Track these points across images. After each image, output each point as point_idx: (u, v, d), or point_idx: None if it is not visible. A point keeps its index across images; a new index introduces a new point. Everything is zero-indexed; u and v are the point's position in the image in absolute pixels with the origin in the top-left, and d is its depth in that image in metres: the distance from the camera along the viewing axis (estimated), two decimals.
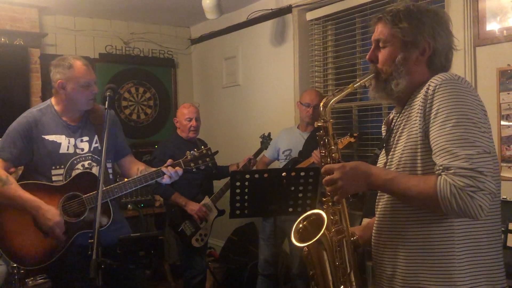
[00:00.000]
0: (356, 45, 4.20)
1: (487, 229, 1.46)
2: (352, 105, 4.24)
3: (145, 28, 5.75)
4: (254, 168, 3.99)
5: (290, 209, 3.08)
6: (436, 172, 1.38)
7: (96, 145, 2.64)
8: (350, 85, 1.61)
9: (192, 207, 3.85)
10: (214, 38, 5.68)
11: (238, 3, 4.98)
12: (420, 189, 1.39)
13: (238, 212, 3.05)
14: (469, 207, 1.31)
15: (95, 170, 2.59)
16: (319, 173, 3.05)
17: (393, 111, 1.71)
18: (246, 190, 2.98)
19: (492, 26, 3.07)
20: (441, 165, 1.36)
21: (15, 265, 2.73)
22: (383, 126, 1.77)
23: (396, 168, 1.52)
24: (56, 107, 2.63)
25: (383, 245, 1.60)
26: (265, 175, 3.00)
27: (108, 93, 2.48)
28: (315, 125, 1.66)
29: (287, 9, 4.59)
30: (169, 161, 2.61)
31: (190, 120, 3.95)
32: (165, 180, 2.58)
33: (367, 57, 1.62)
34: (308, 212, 1.69)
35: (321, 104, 1.60)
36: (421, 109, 1.45)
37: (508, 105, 3.01)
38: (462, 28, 3.17)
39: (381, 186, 1.48)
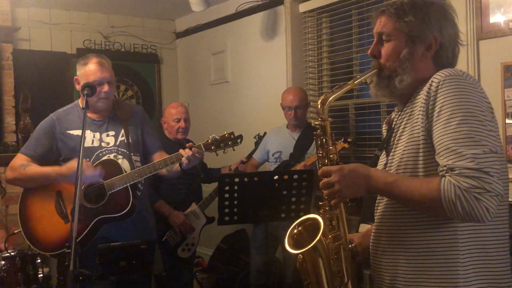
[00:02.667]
0: (353, 39, 4.22)
1: (493, 233, 1.46)
2: (349, 103, 4.26)
3: (126, 21, 5.73)
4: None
5: (283, 215, 3.09)
6: (440, 173, 1.38)
7: (122, 138, 2.82)
8: (350, 82, 1.60)
9: (175, 219, 3.82)
10: (201, 32, 5.68)
11: None
12: (423, 192, 1.38)
13: (227, 218, 3.05)
14: (475, 210, 1.31)
15: (121, 162, 2.77)
16: (313, 176, 3.06)
17: (395, 110, 1.71)
18: (236, 195, 2.99)
19: (496, 18, 3.10)
20: (445, 166, 1.36)
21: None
22: (383, 126, 1.78)
23: (396, 170, 1.53)
24: (82, 104, 2.81)
25: (381, 251, 1.60)
26: (256, 179, 3.01)
27: (85, 92, 2.54)
28: (313, 124, 1.67)
29: (279, 0, 4.60)
30: (189, 144, 2.73)
31: (179, 120, 3.94)
32: (185, 164, 2.69)
33: (369, 51, 1.62)
34: (304, 217, 1.69)
35: (319, 101, 1.60)
36: (423, 107, 1.45)
37: None
38: (464, 21, 3.19)
39: (382, 189, 1.48)
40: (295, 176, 3.03)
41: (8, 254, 2.81)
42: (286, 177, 3.02)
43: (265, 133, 4.07)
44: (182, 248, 3.89)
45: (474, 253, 1.44)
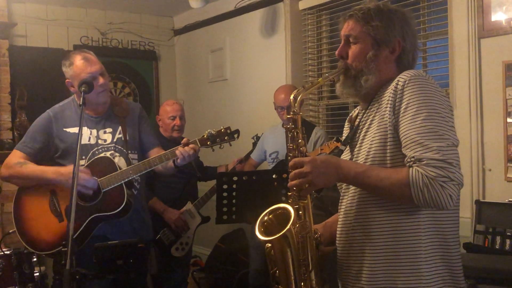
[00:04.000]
0: None
1: (450, 220, 1.60)
2: (349, 101, 4.26)
3: (124, 18, 5.72)
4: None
5: None
6: (407, 164, 1.51)
7: (120, 136, 2.81)
8: (320, 79, 1.73)
9: (170, 215, 3.82)
10: (199, 29, 5.67)
11: None
12: (392, 180, 1.51)
13: (225, 217, 3.05)
14: (440, 197, 1.44)
15: (117, 160, 2.75)
16: None
17: (357, 108, 1.85)
18: (234, 194, 2.99)
19: (498, 16, 3.10)
20: (412, 157, 1.49)
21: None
22: (346, 123, 1.90)
23: (364, 162, 1.63)
24: (79, 101, 2.77)
25: (350, 242, 1.70)
26: (254, 177, 3.01)
27: (83, 89, 2.53)
28: (284, 118, 1.73)
29: None
30: (185, 139, 2.71)
31: (174, 118, 3.93)
32: (179, 161, 2.68)
33: (336, 52, 1.74)
34: (275, 206, 1.77)
35: (292, 96, 1.69)
36: (390, 104, 1.58)
37: None
38: (465, 19, 3.20)
39: (352, 179, 1.59)
40: None
41: (4, 253, 2.81)
42: (285, 176, 3.01)
43: (263, 134, 4.06)
44: (176, 247, 3.88)
45: (435, 238, 1.58)
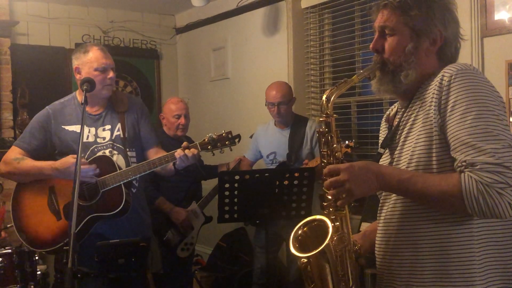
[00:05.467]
0: (355, 35, 4.22)
1: (506, 230, 1.45)
2: (351, 100, 4.27)
3: (125, 16, 5.73)
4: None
5: (283, 213, 3.10)
6: (458, 169, 1.36)
7: (118, 133, 2.81)
8: (354, 77, 1.58)
9: (178, 215, 3.81)
10: (201, 27, 5.67)
11: None
12: (441, 188, 1.36)
13: (227, 216, 3.06)
14: (497, 205, 1.30)
15: (116, 158, 2.76)
16: (314, 174, 3.07)
17: (395, 106, 1.70)
18: (236, 192, 3.00)
19: (501, 15, 3.09)
20: (464, 161, 1.34)
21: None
22: (383, 123, 1.76)
23: (407, 167, 1.50)
24: (79, 98, 2.81)
25: (392, 252, 1.57)
26: (256, 176, 3.01)
27: (85, 87, 2.53)
28: (317, 121, 1.64)
29: None
30: (185, 143, 2.70)
31: (179, 117, 3.90)
32: (178, 164, 2.68)
33: (371, 46, 1.59)
34: (309, 218, 1.64)
35: (324, 97, 1.57)
36: (435, 102, 1.44)
37: None
38: (468, 18, 3.19)
39: (395, 187, 1.45)
40: (296, 174, 3.03)
41: (5, 251, 2.82)
42: (287, 179, 3.01)
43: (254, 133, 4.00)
44: (181, 247, 3.88)
45: (489, 251, 1.43)
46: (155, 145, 2.94)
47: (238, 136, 2.76)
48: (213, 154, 2.71)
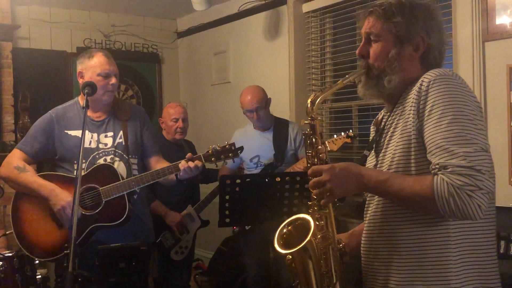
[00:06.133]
0: (356, 39, 4.22)
1: (483, 232, 1.50)
2: (352, 104, 4.27)
3: (127, 20, 5.74)
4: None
5: (285, 216, 3.08)
6: (432, 171, 1.42)
7: (120, 140, 2.81)
8: (339, 81, 1.64)
9: (172, 218, 3.82)
10: (203, 31, 5.68)
11: None
12: (415, 189, 1.42)
13: (228, 220, 3.05)
14: (467, 207, 1.35)
15: (117, 165, 2.76)
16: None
17: (383, 111, 1.76)
18: (237, 196, 2.99)
19: (502, 19, 3.10)
20: (437, 164, 1.40)
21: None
22: (371, 127, 1.83)
23: (388, 169, 1.56)
24: (81, 102, 2.81)
25: (374, 252, 1.62)
26: (257, 180, 3.01)
27: (86, 91, 2.54)
28: (302, 123, 1.68)
29: (282, 0, 4.60)
30: (189, 154, 2.72)
31: (177, 120, 3.93)
32: (181, 175, 2.69)
33: (357, 51, 1.65)
34: (293, 217, 1.70)
35: (309, 100, 1.63)
36: (414, 106, 1.49)
37: None
38: (470, 22, 3.19)
39: (373, 188, 1.51)
40: (298, 178, 3.02)
41: (6, 255, 2.82)
42: (287, 184, 3.00)
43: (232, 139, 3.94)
44: (176, 250, 3.88)
45: (466, 252, 1.47)
46: (156, 154, 2.95)
47: (241, 148, 2.79)
48: (216, 166, 2.72)
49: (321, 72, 4.54)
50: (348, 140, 3.33)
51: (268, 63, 4.84)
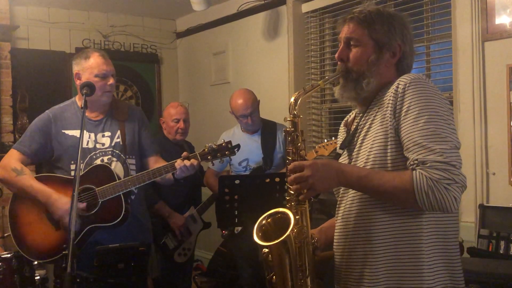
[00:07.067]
0: None
1: (452, 223, 1.61)
2: (352, 104, 4.26)
3: (126, 21, 5.74)
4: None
5: None
6: (410, 166, 1.51)
7: (118, 140, 2.81)
8: (320, 82, 1.73)
9: (176, 220, 3.81)
10: (202, 32, 5.68)
11: None
12: (395, 184, 1.51)
13: (226, 221, 3.05)
14: (444, 199, 1.45)
15: (114, 165, 2.76)
16: None
17: (352, 113, 1.87)
18: (236, 197, 2.99)
19: (502, 19, 3.10)
20: (416, 159, 1.49)
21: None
22: (341, 127, 1.92)
23: (365, 165, 1.63)
24: (79, 103, 2.82)
25: (350, 247, 1.68)
26: (256, 181, 3.01)
27: (84, 91, 2.53)
28: (284, 121, 1.70)
29: (281, 0, 4.60)
30: (184, 153, 2.72)
31: (178, 121, 3.91)
32: (178, 174, 2.68)
33: (336, 55, 1.74)
34: (273, 210, 1.75)
35: (292, 99, 1.68)
36: (391, 107, 1.59)
37: None
38: (469, 22, 3.20)
39: (354, 183, 1.58)
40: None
41: (4, 256, 2.81)
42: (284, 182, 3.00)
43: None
44: (179, 252, 3.88)
45: (437, 242, 1.57)
46: (155, 154, 2.94)
47: (238, 146, 2.78)
48: (213, 164, 2.71)
49: (320, 73, 4.54)
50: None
51: (268, 63, 4.84)
